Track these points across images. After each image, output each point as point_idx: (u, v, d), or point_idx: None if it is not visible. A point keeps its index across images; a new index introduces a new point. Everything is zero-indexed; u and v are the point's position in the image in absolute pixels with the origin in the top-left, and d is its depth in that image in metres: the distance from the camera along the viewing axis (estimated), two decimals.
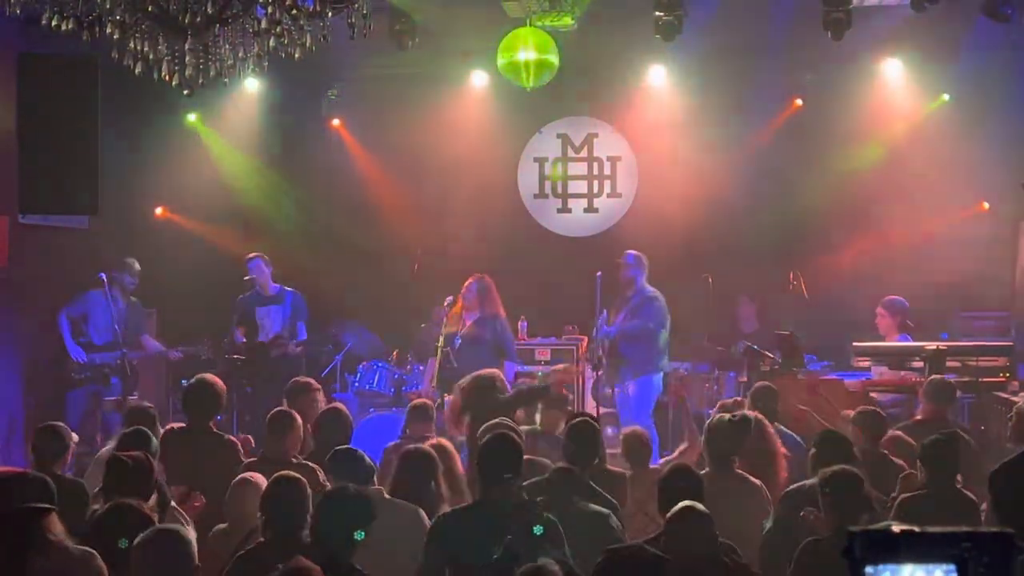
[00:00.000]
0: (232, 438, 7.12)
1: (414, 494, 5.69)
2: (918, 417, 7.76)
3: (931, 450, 5.85)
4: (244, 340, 10.32)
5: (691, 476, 5.29)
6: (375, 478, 5.82)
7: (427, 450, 6.00)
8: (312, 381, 7.90)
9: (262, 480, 5.53)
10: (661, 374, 10.04)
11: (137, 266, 10.25)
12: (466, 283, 9.90)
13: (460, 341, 9.74)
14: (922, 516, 5.28)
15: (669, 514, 4.70)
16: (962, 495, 5.77)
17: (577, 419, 6.26)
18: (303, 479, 5.09)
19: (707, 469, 6.19)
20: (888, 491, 5.99)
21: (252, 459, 6.63)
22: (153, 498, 5.13)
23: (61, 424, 6.43)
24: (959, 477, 5.86)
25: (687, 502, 4.69)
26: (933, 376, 8.20)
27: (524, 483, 5.47)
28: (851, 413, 7.15)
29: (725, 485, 5.96)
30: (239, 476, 5.83)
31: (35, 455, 6.13)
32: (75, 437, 6.51)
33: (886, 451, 6.73)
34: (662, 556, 3.87)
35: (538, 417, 7.60)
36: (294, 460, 6.38)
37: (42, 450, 6.11)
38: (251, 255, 10.54)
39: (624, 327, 9.84)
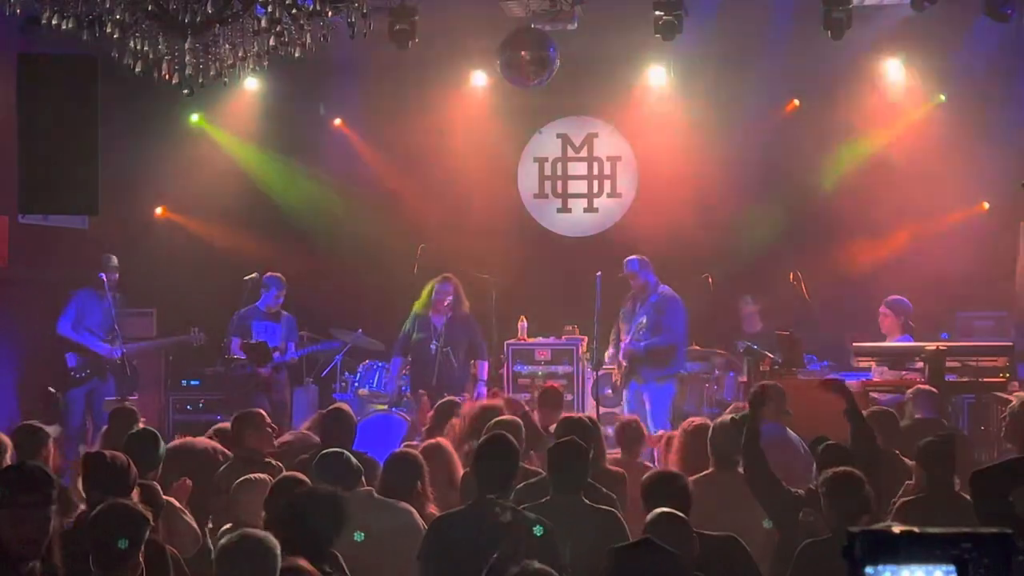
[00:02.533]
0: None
1: (399, 497, 5.67)
2: (916, 416, 7.78)
3: (927, 452, 5.79)
4: (243, 350, 10.28)
5: (676, 481, 5.19)
6: (363, 479, 5.80)
7: (412, 453, 6.01)
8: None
9: (266, 479, 5.54)
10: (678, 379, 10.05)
11: (115, 260, 10.19)
12: (436, 285, 9.94)
13: (436, 344, 9.79)
14: (920, 519, 5.25)
15: (646, 520, 4.66)
16: (960, 498, 5.67)
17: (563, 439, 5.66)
18: (308, 481, 5.11)
19: (711, 469, 6.18)
20: (898, 491, 5.95)
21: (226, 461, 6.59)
22: (135, 493, 5.09)
23: None
24: (957, 480, 5.82)
25: (662, 508, 4.63)
26: (917, 387, 8.20)
27: (530, 481, 5.48)
28: (864, 413, 7.11)
29: (727, 485, 5.96)
30: (244, 477, 5.81)
31: None
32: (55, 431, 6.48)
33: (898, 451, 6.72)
34: (673, 552, 3.85)
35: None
36: (266, 460, 6.38)
37: None
38: (275, 274, 10.49)
39: (652, 341, 9.77)
